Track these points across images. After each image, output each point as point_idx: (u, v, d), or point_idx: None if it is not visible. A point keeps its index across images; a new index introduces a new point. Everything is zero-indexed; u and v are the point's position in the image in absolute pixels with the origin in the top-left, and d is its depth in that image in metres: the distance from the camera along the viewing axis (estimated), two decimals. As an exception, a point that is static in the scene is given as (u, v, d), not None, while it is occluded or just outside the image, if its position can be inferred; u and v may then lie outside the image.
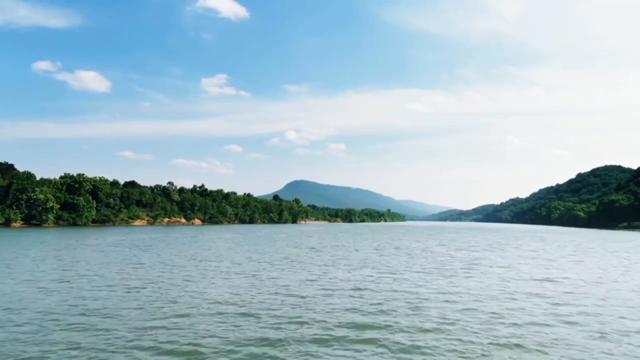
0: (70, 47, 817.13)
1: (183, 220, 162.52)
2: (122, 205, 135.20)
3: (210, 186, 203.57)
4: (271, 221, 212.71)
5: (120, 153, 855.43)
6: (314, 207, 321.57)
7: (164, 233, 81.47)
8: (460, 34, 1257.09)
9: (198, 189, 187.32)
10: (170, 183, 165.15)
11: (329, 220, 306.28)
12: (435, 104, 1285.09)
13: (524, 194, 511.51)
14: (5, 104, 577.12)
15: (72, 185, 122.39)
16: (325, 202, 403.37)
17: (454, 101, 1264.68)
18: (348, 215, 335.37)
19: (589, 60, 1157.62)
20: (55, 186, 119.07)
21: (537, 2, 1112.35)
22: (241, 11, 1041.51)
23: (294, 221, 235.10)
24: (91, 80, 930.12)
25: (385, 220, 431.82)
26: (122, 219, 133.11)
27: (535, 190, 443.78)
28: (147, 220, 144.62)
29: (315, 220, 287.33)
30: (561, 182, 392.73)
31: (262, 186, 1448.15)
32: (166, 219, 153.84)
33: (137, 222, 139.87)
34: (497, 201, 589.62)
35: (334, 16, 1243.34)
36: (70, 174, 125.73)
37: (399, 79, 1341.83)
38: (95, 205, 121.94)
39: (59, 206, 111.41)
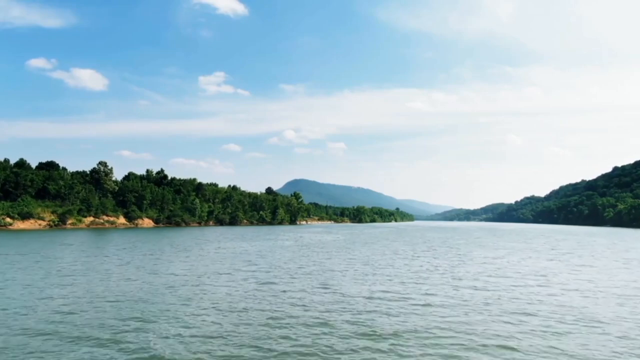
0: (66, 45, 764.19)
1: (122, 220, 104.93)
2: (-7, 195, 77.61)
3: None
4: (262, 221, 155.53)
5: (119, 152, 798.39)
6: (316, 205, 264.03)
7: None
8: (455, 34, 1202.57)
9: (154, 175, 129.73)
10: (103, 163, 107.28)
11: (335, 220, 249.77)
12: (433, 103, 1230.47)
13: (532, 192, 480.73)
14: (1, 104, 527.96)
15: None
16: (325, 201, 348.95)
17: (452, 100, 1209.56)
18: (357, 215, 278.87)
19: (585, 59, 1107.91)
20: None
21: (531, 2, 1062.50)
22: (239, 8, 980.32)
23: (293, 221, 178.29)
24: (88, 78, 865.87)
25: (395, 220, 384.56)
26: (-11, 219, 75.68)
27: (555, 187, 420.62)
28: (50, 222, 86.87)
29: (318, 220, 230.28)
30: (567, 181, 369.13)
31: (262, 185, 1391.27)
32: (89, 219, 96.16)
33: (28, 224, 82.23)
34: (503, 200, 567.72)
35: (331, 15, 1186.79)
36: None
37: (395, 78, 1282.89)
38: None
39: None
